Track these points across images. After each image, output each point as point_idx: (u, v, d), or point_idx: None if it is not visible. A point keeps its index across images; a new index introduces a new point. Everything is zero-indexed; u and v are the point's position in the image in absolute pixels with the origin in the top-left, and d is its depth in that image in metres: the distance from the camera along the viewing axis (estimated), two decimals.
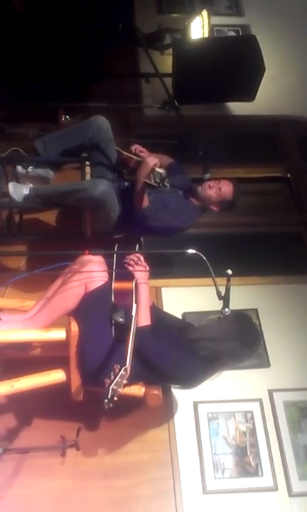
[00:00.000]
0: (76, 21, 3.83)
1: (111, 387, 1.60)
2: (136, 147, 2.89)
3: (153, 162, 2.59)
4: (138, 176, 2.64)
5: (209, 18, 4.07)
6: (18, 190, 2.75)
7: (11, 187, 2.74)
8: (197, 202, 2.88)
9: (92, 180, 2.80)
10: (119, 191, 2.78)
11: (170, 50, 3.75)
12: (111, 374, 1.66)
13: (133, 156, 2.84)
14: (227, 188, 2.82)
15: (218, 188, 2.81)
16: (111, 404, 1.60)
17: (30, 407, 2.52)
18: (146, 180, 2.59)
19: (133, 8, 4.46)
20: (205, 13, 4.06)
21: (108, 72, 4.04)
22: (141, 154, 2.82)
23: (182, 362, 2.19)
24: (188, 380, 2.27)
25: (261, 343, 2.80)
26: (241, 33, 4.61)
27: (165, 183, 2.57)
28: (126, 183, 2.86)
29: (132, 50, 4.32)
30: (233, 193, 2.83)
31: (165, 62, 3.83)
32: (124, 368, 1.68)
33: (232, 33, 4.63)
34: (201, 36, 4.04)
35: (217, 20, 4.56)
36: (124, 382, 1.67)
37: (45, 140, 2.93)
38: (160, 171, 2.60)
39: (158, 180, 2.54)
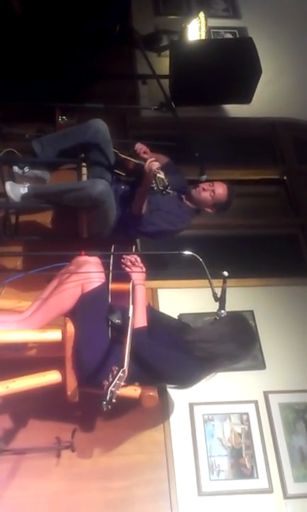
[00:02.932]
0: (73, 22, 3.84)
1: (109, 389, 1.60)
2: (139, 147, 2.88)
3: (154, 167, 2.55)
4: (141, 184, 2.64)
5: (206, 20, 4.08)
6: (16, 190, 2.74)
7: (8, 186, 2.72)
8: (192, 204, 2.89)
9: (91, 180, 2.79)
10: (117, 194, 2.78)
11: (167, 52, 3.74)
12: (110, 376, 1.65)
13: (131, 159, 2.84)
14: (221, 190, 2.83)
15: (212, 191, 2.82)
16: (109, 406, 1.60)
17: (25, 408, 2.51)
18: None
19: (130, 9, 4.46)
20: (202, 15, 4.06)
21: (105, 73, 4.04)
22: (144, 156, 2.81)
23: (178, 363, 2.19)
24: (184, 381, 2.27)
25: (257, 344, 2.81)
26: (238, 36, 4.62)
27: (168, 190, 2.54)
28: (123, 187, 2.86)
29: (129, 51, 4.33)
30: (227, 194, 2.85)
31: (162, 64, 3.83)
32: (122, 370, 1.68)
33: (229, 36, 4.64)
34: (198, 38, 4.05)
35: (214, 22, 4.56)
36: (122, 384, 1.67)
37: (43, 141, 2.92)
38: (162, 176, 2.56)
39: (161, 187, 2.52)
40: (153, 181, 2.54)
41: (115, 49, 4.08)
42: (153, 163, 2.57)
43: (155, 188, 2.54)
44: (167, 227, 2.79)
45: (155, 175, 2.53)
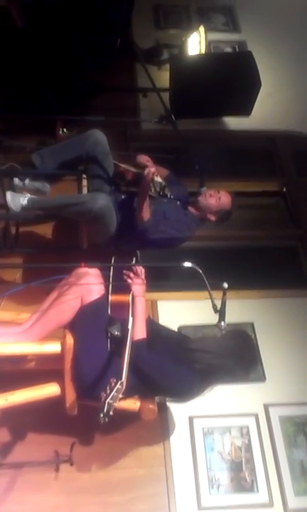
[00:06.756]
0: (74, 36, 3.88)
1: (107, 401, 1.59)
2: (142, 157, 2.90)
3: (151, 172, 2.60)
4: (140, 189, 2.66)
5: (206, 34, 4.13)
6: (16, 200, 2.74)
7: (9, 196, 2.72)
8: (196, 212, 2.90)
9: (91, 194, 2.80)
10: (117, 204, 2.79)
11: (168, 66, 3.78)
12: (107, 388, 1.64)
13: (130, 168, 2.86)
14: (225, 199, 2.87)
15: (218, 198, 2.85)
16: (106, 419, 1.59)
17: (24, 421, 2.50)
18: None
19: (131, 23, 4.51)
20: (202, 29, 4.11)
21: (106, 86, 4.08)
22: (147, 164, 2.83)
23: (177, 376, 2.18)
24: (182, 394, 2.26)
25: (257, 363, 2.78)
26: (237, 49, 4.66)
27: (166, 192, 2.59)
28: (123, 196, 2.86)
29: (130, 64, 4.36)
30: (231, 203, 2.88)
31: (163, 77, 3.87)
32: (120, 382, 1.67)
33: (229, 49, 4.69)
34: (198, 52, 4.09)
35: (214, 36, 4.62)
36: (120, 396, 1.66)
37: (42, 153, 2.94)
38: (159, 180, 2.65)
39: (158, 189, 2.58)
40: (151, 185, 2.62)
41: (116, 63, 4.12)
42: (151, 168, 2.61)
43: (152, 193, 2.61)
44: (175, 235, 2.80)
45: (153, 179, 2.61)
